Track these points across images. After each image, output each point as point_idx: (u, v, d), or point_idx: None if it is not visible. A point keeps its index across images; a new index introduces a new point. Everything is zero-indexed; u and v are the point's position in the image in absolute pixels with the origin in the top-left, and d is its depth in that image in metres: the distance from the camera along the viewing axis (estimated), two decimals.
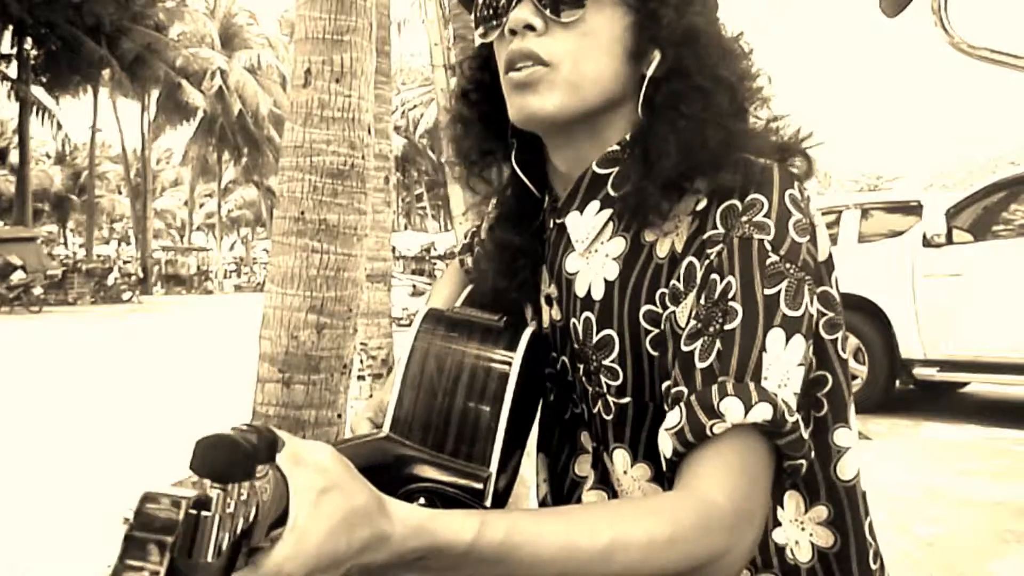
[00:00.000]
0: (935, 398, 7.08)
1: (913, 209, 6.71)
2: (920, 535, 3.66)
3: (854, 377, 6.41)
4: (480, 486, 0.75)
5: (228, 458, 0.46)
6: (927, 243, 6.13)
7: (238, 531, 0.46)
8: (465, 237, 1.13)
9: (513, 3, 0.81)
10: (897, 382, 6.63)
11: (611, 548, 0.63)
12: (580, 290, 0.85)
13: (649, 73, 0.81)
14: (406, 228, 42.41)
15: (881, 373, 6.47)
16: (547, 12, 0.79)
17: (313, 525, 0.52)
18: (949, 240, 6.06)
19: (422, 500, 0.74)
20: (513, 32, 0.80)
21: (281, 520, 0.52)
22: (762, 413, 0.68)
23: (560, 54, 0.79)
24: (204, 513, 0.43)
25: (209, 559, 0.43)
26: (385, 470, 0.60)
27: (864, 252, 6.62)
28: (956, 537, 3.72)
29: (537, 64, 0.79)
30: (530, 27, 0.79)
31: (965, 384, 7.08)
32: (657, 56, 0.81)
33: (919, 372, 6.30)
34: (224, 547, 0.44)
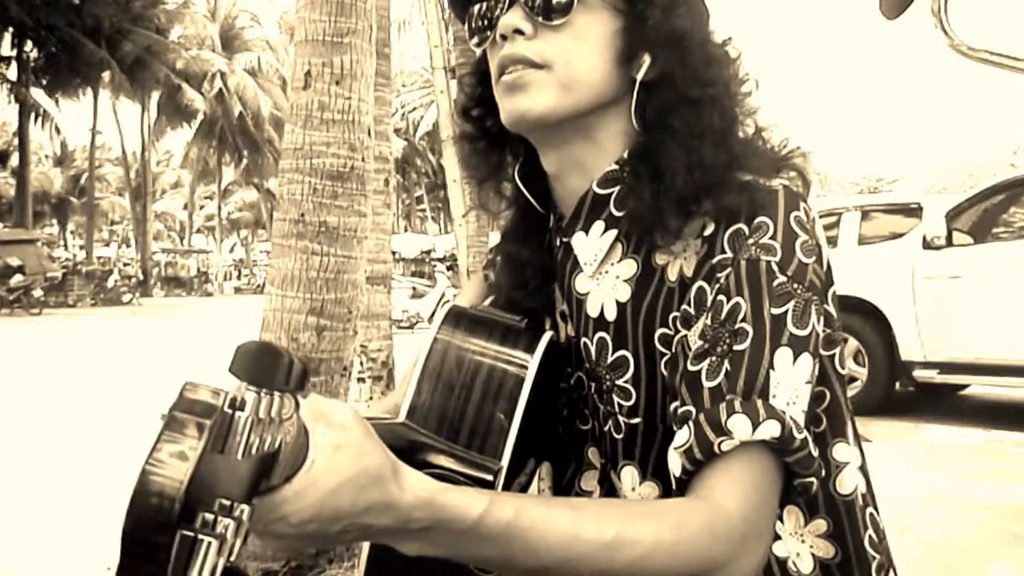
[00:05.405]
0: (935, 400, 7.07)
1: (913, 211, 6.71)
2: (920, 537, 3.65)
3: (854, 379, 6.42)
4: (491, 478, 0.76)
5: (268, 363, 0.47)
6: (927, 245, 6.12)
7: (265, 447, 0.47)
8: (490, 253, 1.14)
9: (503, 9, 0.81)
10: (897, 384, 6.62)
11: (616, 543, 0.63)
12: (592, 310, 0.85)
13: (639, 77, 0.81)
14: (406, 230, 42.34)
15: (881, 375, 6.46)
16: (536, 16, 0.80)
17: (323, 477, 0.54)
18: (949, 242, 6.05)
19: None
20: (504, 37, 0.81)
21: (296, 473, 0.53)
22: (770, 430, 0.68)
23: (552, 55, 0.80)
24: (239, 413, 0.45)
25: (239, 456, 0.44)
26: (398, 453, 0.61)
27: (864, 254, 6.62)
28: (956, 539, 3.72)
29: (528, 67, 0.80)
30: (519, 32, 0.80)
31: (965, 386, 7.06)
32: (647, 60, 0.81)
33: (919, 374, 6.29)
34: (254, 450, 0.45)
